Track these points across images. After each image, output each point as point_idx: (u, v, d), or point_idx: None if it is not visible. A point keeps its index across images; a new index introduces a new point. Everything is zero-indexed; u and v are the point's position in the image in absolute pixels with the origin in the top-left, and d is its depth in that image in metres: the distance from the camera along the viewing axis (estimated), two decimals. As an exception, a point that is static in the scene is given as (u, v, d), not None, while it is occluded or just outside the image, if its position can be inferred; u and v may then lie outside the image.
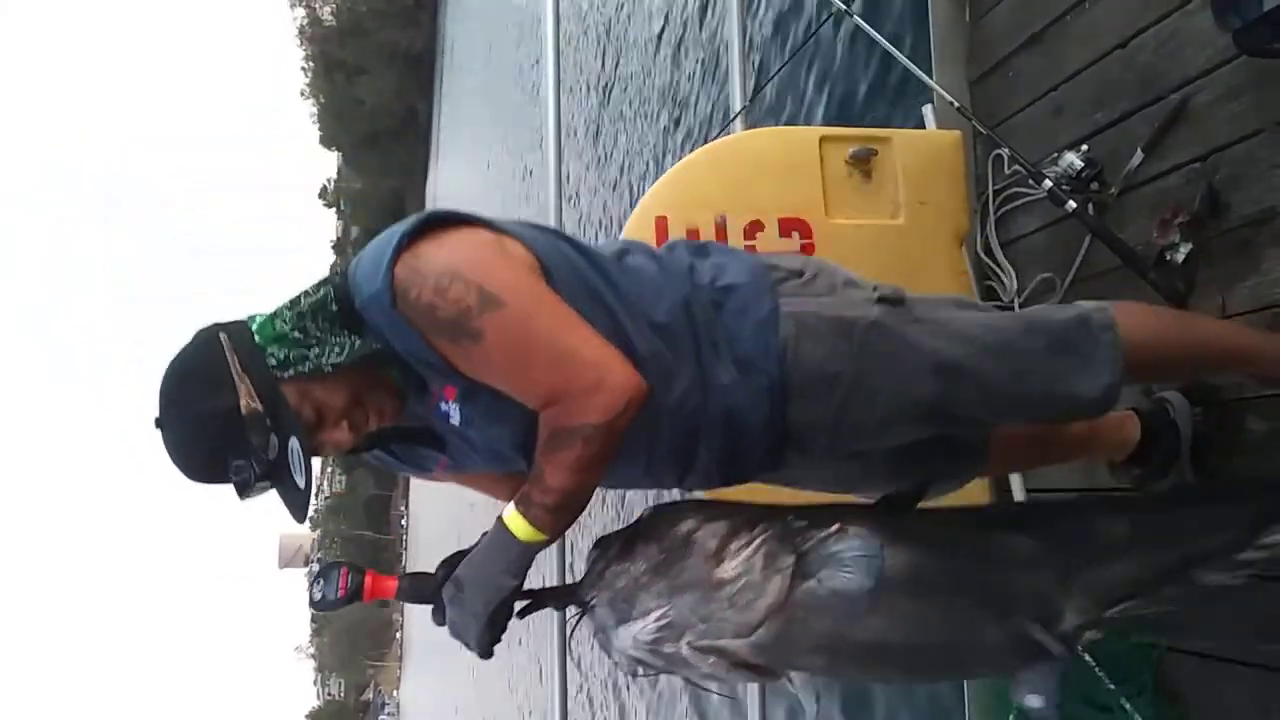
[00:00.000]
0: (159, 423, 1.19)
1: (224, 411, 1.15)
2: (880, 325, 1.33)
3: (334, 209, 63.50)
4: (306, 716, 78.52)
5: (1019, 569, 1.28)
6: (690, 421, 1.30)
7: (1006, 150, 2.19)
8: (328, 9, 48.40)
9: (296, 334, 1.20)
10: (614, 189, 8.20)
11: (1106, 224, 2.01)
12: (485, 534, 1.23)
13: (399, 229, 1.20)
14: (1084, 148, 2.09)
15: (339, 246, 62.92)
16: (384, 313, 1.18)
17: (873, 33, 2.28)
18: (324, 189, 63.72)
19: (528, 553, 1.19)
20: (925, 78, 2.22)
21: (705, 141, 3.12)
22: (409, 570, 1.34)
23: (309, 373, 1.19)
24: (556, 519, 1.18)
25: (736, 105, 2.51)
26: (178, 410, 1.19)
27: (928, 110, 2.53)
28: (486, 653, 1.24)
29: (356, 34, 44.35)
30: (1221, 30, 1.59)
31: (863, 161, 2.29)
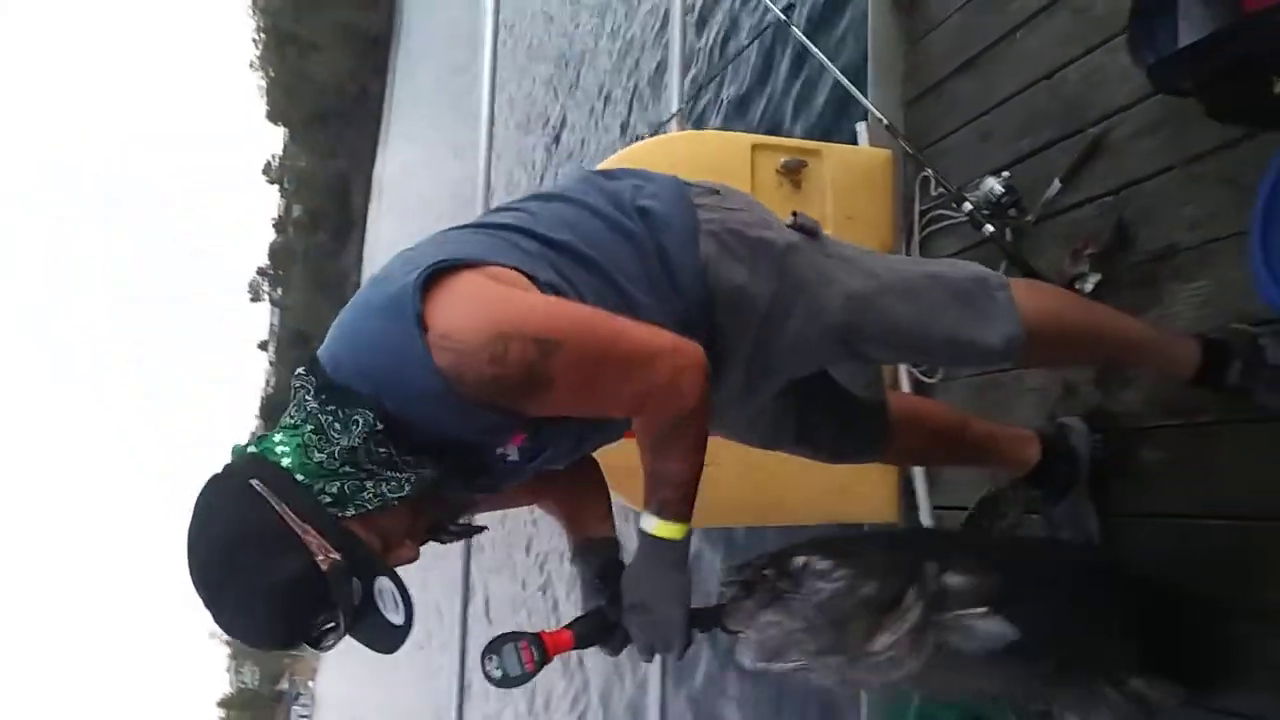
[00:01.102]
0: (212, 602, 1.04)
1: (302, 574, 1.01)
2: (797, 249, 1.35)
3: (277, 185, 62.25)
4: (218, 703, 76.80)
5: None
6: None
7: (932, 172, 2.22)
8: (283, -19, 47.49)
9: (347, 469, 1.06)
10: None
11: (1022, 250, 2.05)
12: (607, 565, 1.31)
13: (400, 315, 1.05)
14: (1006, 174, 2.13)
15: (280, 225, 61.69)
16: (443, 406, 1.06)
17: (810, 45, 2.30)
18: (268, 164, 62.44)
19: (684, 546, 1.22)
20: (859, 95, 2.24)
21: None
22: (575, 619, 1.31)
23: (374, 510, 1.07)
24: (691, 501, 1.21)
25: (674, 107, 2.51)
26: (243, 585, 1.02)
27: (861, 127, 2.56)
28: (684, 653, 1.28)
29: (312, 9, 43.55)
30: (1136, 66, 1.62)
31: (793, 172, 2.31)
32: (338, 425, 1.06)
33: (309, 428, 1.07)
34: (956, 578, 1.29)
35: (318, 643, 1.06)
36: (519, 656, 1.22)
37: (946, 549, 1.43)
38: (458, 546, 1.89)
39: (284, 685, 66.71)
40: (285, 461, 1.05)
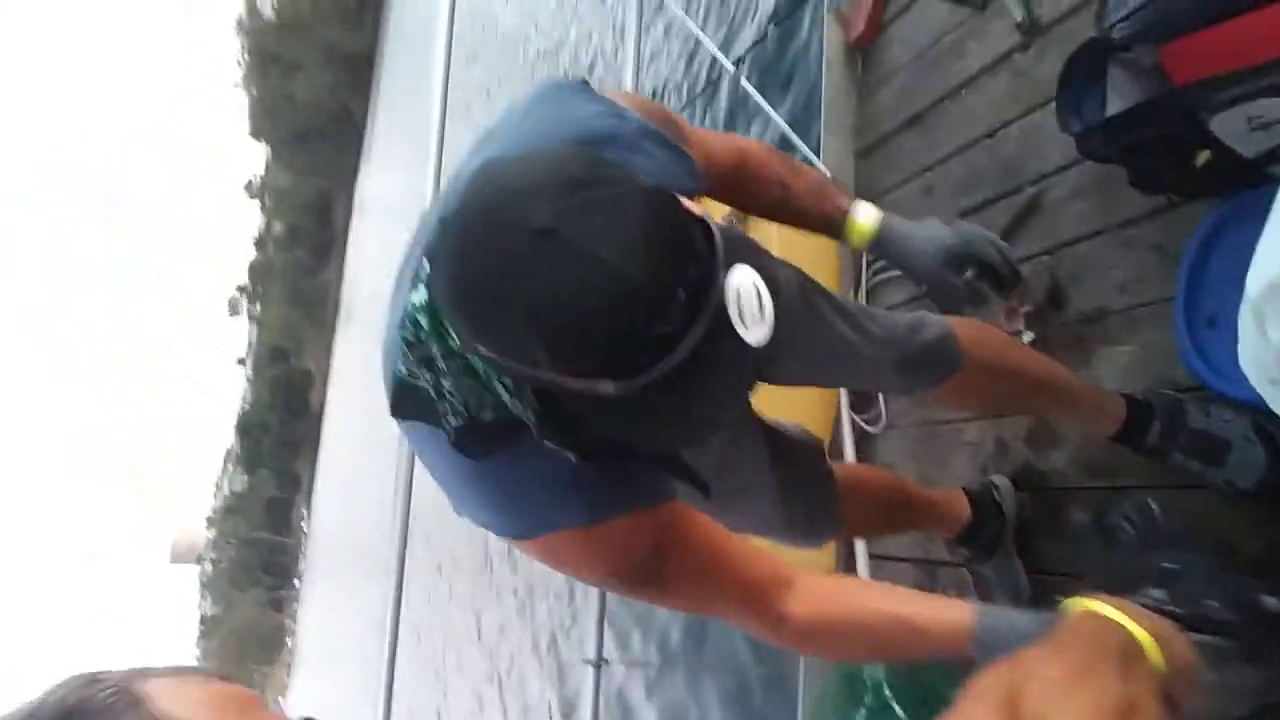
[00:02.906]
0: (548, 251, 0.72)
1: (674, 204, 0.78)
2: (729, 229, 1.34)
3: (259, 202, 62.05)
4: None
5: None
6: None
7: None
8: (269, 2, 47.54)
9: None
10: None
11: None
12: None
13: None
14: (946, 230, 2.15)
15: (260, 242, 61.46)
16: (689, 162, 1.05)
17: (757, 96, 2.32)
18: (249, 182, 62.26)
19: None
20: (803, 146, 2.27)
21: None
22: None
23: None
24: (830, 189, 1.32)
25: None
26: (607, 200, 0.74)
27: (811, 176, 2.58)
28: None
29: (296, 29, 43.62)
30: (1064, 133, 1.65)
31: (739, 221, 2.32)
32: None
33: None
34: None
35: (651, 347, 0.73)
36: None
37: None
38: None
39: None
40: None
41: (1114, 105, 1.57)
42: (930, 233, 1.29)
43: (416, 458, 1.14)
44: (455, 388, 0.90)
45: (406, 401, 0.95)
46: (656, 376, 0.73)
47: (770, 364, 1.18)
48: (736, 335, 0.76)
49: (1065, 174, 1.93)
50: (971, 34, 2.23)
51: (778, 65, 3.22)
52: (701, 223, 0.79)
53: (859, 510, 1.69)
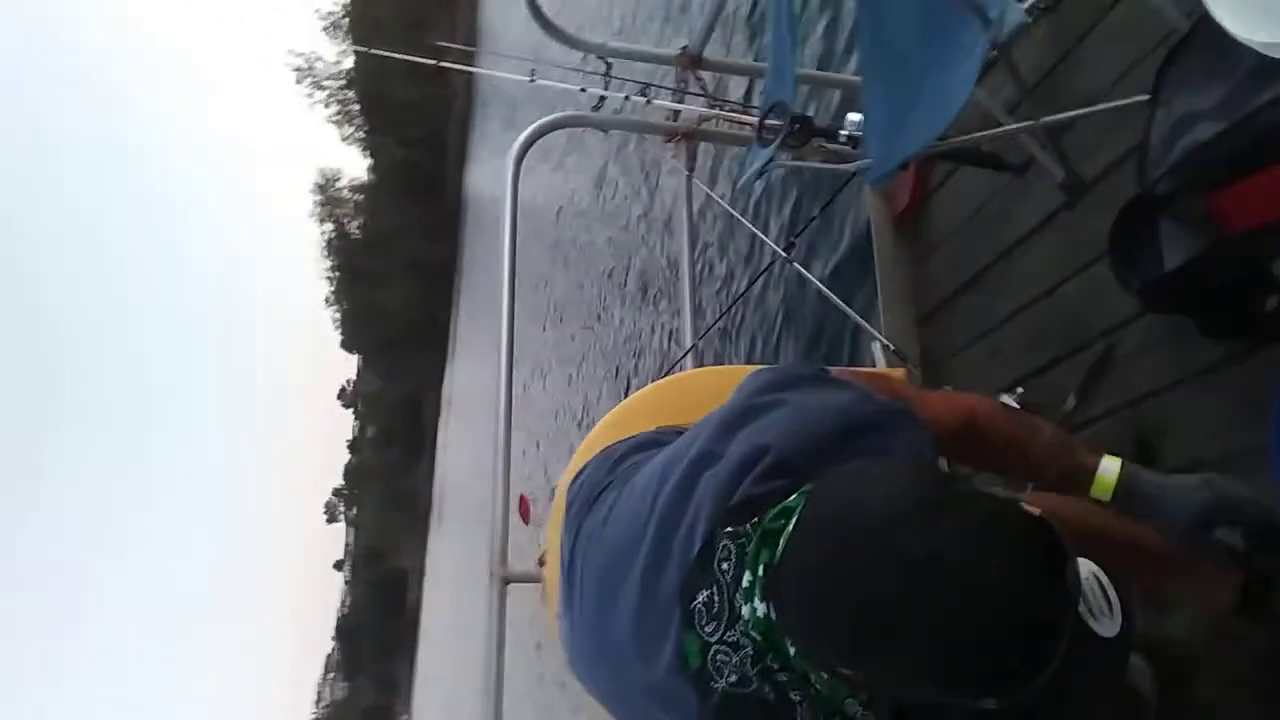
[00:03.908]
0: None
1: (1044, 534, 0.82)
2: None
3: (351, 409, 64.54)
4: None
5: None
6: None
7: (945, 388, 2.21)
8: (354, 224, 51.11)
9: None
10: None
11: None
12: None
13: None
14: (1019, 390, 2.11)
15: (354, 446, 63.45)
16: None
17: (810, 277, 2.37)
18: (342, 390, 65.04)
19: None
20: (862, 322, 2.28)
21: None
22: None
23: None
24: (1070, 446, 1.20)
25: (687, 343, 2.58)
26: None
27: (876, 348, 2.57)
28: None
29: (382, 247, 46.59)
30: (1124, 291, 1.62)
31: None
32: None
33: None
34: None
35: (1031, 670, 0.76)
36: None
37: None
38: None
39: None
40: None
41: (1170, 258, 1.55)
42: (1180, 488, 1.19)
43: None
44: (801, 698, 0.93)
45: (738, 710, 0.96)
46: (1041, 684, 0.76)
47: None
48: (1091, 630, 0.80)
49: (1133, 325, 1.89)
50: (1015, 198, 2.26)
51: (824, 245, 3.31)
52: (1039, 520, 0.81)
53: None
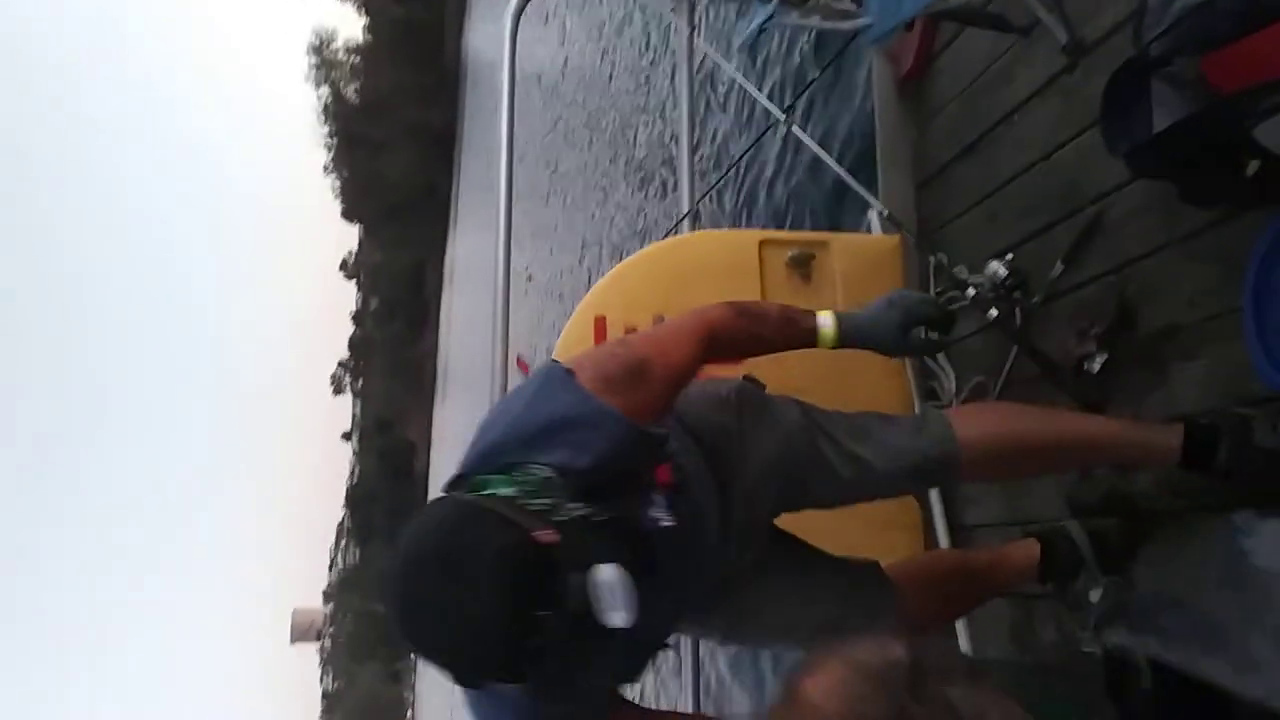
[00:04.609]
0: (430, 591, 1.00)
1: (521, 541, 0.99)
2: (743, 389, 1.61)
3: (354, 280, 64.42)
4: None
5: None
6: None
7: (939, 256, 2.25)
8: (351, 88, 49.79)
9: (550, 492, 1.10)
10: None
11: (1028, 332, 2.06)
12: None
13: (534, 380, 1.27)
14: (1009, 256, 2.14)
15: (358, 318, 63.63)
16: (609, 421, 1.19)
17: (809, 141, 2.37)
18: (344, 262, 64.74)
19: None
20: (858, 187, 2.29)
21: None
22: None
23: (578, 519, 1.08)
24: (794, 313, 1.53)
25: (685, 207, 2.59)
26: (466, 560, 0.98)
27: (872, 214, 2.60)
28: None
29: (380, 111, 45.54)
30: (1111, 154, 1.64)
31: (802, 265, 2.36)
32: (521, 474, 1.12)
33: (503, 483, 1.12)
34: None
35: (531, 657, 0.97)
36: None
37: None
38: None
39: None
40: (497, 491, 1.10)
41: (1160, 121, 1.56)
42: (876, 315, 1.55)
43: None
44: None
45: None
46: (542, 679, 1.00)
47: (802, 496, 1.62)
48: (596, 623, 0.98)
49: (1124, 191, 1.91)
50: (1018, 60, 2.24)
51: (824, 107, 3.27)
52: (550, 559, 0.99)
53: (923, 609, 1.75)
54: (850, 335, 1.52)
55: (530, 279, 12.27)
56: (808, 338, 1.51)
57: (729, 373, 1.65)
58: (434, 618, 1.00)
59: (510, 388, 2.30)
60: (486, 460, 1.17)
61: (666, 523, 1.25)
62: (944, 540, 2.30)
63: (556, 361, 1.27)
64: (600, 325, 2.23)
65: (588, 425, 1.17)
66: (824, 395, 1.68)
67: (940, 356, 2.42)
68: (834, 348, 1.52)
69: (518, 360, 2.35)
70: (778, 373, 1.68)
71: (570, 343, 2.22)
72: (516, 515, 1.03)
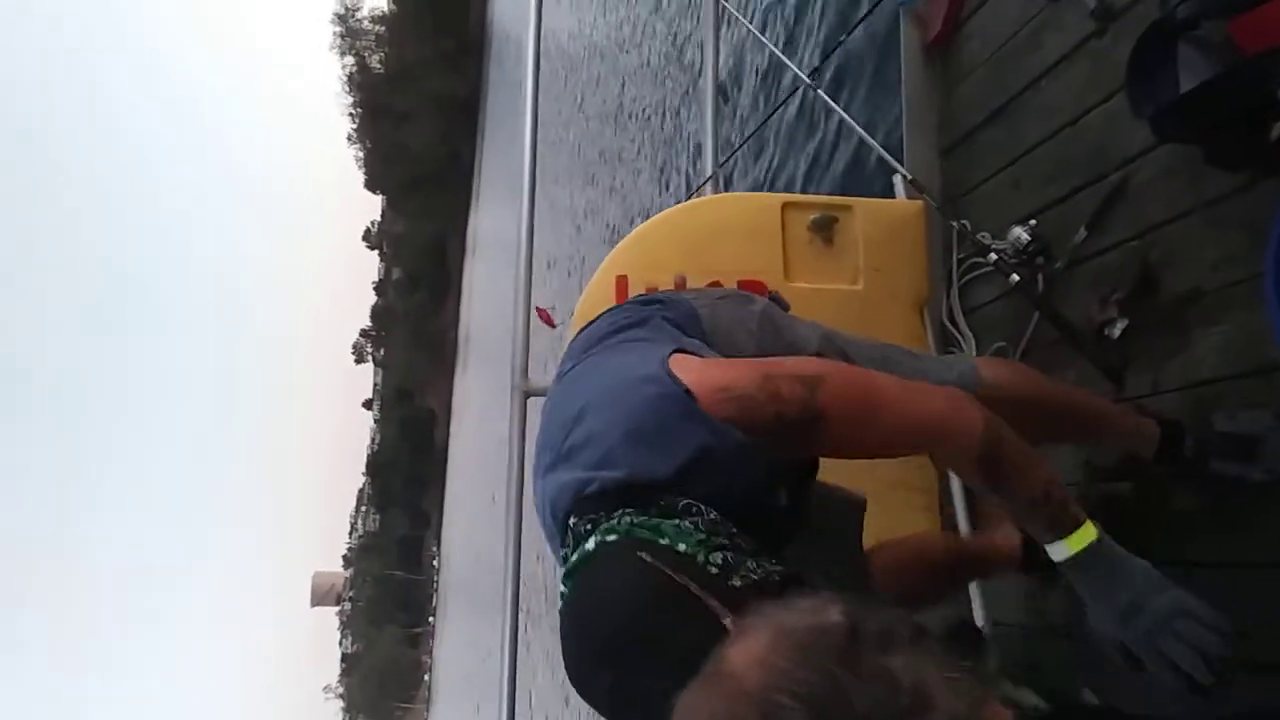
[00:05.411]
0: (621, 677, 0.95)
1: (712, 634, 0.86)
2: (767, 311, 1.59)
3: (377, 251, 64.64)
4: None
5: None
6: None
7: (962, 222, 2.25)
8: (376, 57, 49.72)
9: (719, 538, 1.01)
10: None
11: (1050, 298, 2.06)
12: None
13: (657, 399, 1.10)
14: (1032, 222, 2.14)
15: (380, 288, 63.90)
16: (735, 453, 1.07)
17: (834, 105, 2.36)
18: (367, 231, 64.94)
19: (1108, 542, 1.16)
20: (883, 152, 2.29)
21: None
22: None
23: (760, 579, 0.99)
24: (1068, 501, 1.17)
25: (708, 171, 2.60)
26: (655, 654, 0.91)
27: (897, 180, 2.59)
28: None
29: (403, 81, 45.48)
30: (1137, 119, 1.64)
31: (824, 228, 2.36)
32: (687, 523, 1.02)
33: (650, 524, 1.02)
34: None
35: None
36: None
37: None
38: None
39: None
40: (663, 540, 1.00)
41: (1186, 83, 1.55)
42: (1135, 580, 1.16)
43: None
44: None
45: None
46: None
47: None
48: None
49: (1150, 156, 1.90)
50: (1047, 25, 2.22)
51: (853, 74, 3.25)
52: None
53: (908, 587, 1.75)
54: (1092, 563, 1.16)
55: (551, 265, 12.28)
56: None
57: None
58: (631, 682, 0.94)
59: (532, 349, 2.33)
60: (633, 487, 1.06)
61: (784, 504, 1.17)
62: (960, 509, 2.29)
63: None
64: (622, 284, 2.25)
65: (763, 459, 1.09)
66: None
67: (961, 321, 2.43)
68: (1074, 558, 1.16)
69: (538, 310, 2.36)
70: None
71: (591, 302, 2.23)
72: (705, 595, 0.93)
